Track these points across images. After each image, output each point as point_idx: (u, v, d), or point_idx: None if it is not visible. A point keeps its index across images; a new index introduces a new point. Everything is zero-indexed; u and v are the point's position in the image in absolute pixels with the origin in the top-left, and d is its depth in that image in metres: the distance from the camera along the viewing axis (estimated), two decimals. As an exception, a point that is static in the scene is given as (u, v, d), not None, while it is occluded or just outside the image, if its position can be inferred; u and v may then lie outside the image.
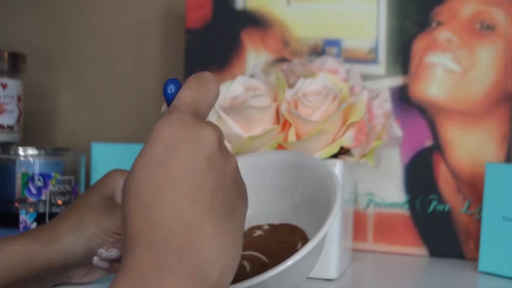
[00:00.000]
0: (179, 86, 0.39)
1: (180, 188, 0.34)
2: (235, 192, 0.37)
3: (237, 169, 0.37)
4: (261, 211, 0.53)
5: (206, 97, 0.38)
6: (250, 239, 0.52)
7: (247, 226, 0.54)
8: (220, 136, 0.37)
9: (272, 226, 0.53)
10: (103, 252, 0.51)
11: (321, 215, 0.46)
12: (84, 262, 0.53)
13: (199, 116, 0.38)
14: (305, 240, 0.50)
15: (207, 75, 0.39)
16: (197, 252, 0.33)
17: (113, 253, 0.51)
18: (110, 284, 0.32)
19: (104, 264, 0.52)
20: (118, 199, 0.55)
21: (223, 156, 0.36)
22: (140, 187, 0.35)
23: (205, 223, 0.34)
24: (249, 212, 0.53)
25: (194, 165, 0.35)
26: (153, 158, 0.35)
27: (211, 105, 0.39)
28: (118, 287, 0.31)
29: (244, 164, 0.54)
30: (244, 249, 0.51)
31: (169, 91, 0.39)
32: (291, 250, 0.48)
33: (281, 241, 0.51)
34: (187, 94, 0.38)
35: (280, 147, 0.63)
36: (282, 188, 0.53)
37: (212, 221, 0.34)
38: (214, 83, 0.39)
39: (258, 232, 0.53)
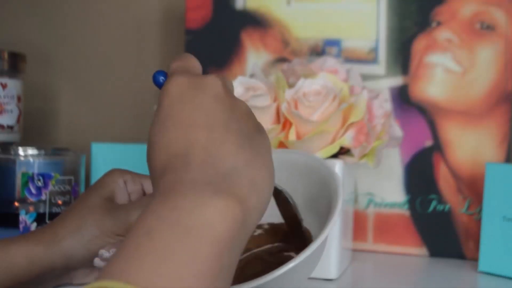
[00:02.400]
0: (165, 74, 0.41)
1: (193, 123, 0.36)
2: (250, 123, 0.38)
3: (249, 110, 0.39)
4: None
5: (193, 65, 0.40)
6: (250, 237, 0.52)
7: None
8: (224, 81, 0.38)
9: (272, 225, 0.53)
10: (104, 253, 0.51)
11: (322, 215, 0.46)
12: (86, 263, 0.53)
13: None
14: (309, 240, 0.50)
15: (185, 54, 0.42)
16: (220, 166, 0.34)
17: None
18: (142, 211, 0.32)
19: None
20: (118, 199, 0.55)
21: (231, 96, 0.38)
22: (157, 135, 0.36)
23: (224, 144, 0.35)
24: None
25: (201, 103, 0.36)
26: (164, 111, 0.37)
27: (200, 71, 0.41)
28: (149, 209, 0.32)
29: None
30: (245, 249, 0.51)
31: (161, 80, 0.41)
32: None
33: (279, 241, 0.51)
34: (177, 64, 0.40)
35: (281, 146, 0.63)
36: (283, 186, 0.53)
37: (230, 142, 0.35)
38: (193, 57, 0.41)
39: (258, 231, 0.53)
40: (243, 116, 0.38)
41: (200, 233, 0.30)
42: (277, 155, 0.54)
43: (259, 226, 0.53)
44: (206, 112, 0.36)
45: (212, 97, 0.37)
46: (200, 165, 0.34)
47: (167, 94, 0.37)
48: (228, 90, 0.38)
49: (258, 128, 0.39)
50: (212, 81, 0.38)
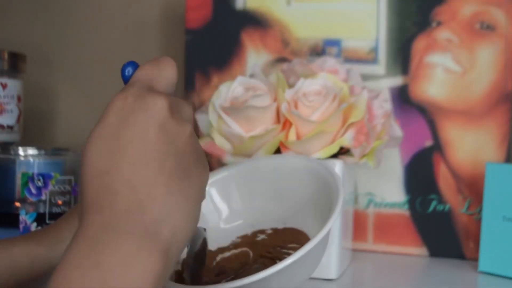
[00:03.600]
0: (136, 67, 0.40)
1: (131, 154, 0.35)
2: (191, 156, 0.37)
3: (192, 136, 0.38)
4: (264, 215, 0.53)
5: (161, 75, 0.39)
6: (253, 243, 0.52)
7: (250, 230, 0.54)
8: (171, 103, 0.37)
9: (275, 231, 0.53)
10: None
11: (323, 217, 0.46)
12: None
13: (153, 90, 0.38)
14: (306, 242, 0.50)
15: (163, 58, 0.40)
16: (147, 213, 0.34)
17: None
18: (64, 252, 0.32)
19: None
20: None
21: (176, 122, 0.37)
22: (94, 156, 0.36)
23: (156, 185, 0.35)
24: (253, 216, 0.53)
25: (144, 131, 0.36)
26: (106, 128, 0.36)
27: (168, 83, 0.39)
28: (71, 254, 0.32)
29: (245, 169, 0.54)
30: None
31: (126, 73, 0.40)
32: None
33: (284, 246, 0.51)
34: (142, 72, 0.39)
35: (281, 146, 0.63)
36: (285, 192, 0.53)
37: (163, 182, 0.35)
38: (170, 63, 0.40)
39: (261, 236, 0.53)
40: (184, 145, 0.37)
41: None
42: (277, 160, 0.54)
43: (262, 232, 0.53)
44: (145, 143, 0.35)
45: (155, 124, 0.36)
46: (127, 210, 0.34)
47: (111, 108, 0.36)
48: (176, 114, 0.37)
49: (198, 158, 0.38)
50: (158, 104, 0.36)
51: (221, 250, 0.53)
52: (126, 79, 0.39)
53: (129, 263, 0.32)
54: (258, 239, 0.53)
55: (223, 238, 0.53)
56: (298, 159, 0.54)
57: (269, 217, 0.53)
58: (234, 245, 0.53)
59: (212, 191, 0.54)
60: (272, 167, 0.54)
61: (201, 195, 0.37)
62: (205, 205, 0.40)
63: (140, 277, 0.31)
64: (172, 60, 0.40)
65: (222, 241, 0.53)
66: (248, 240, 0.53)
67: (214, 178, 0.55)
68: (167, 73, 0.40)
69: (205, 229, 0.47)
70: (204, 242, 0.46)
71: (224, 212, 0.55)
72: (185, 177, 0.36)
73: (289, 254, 0.44)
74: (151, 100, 0.37)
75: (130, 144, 0.35)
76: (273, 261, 0.49)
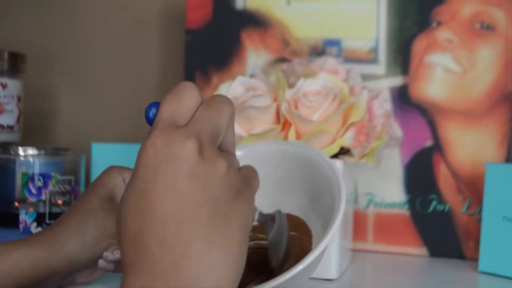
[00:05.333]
0: (158, 106, 0.38)
1: (162, 212, 0.34)
2: (229, 195, 0.36)
3: (229, 169, 0.37)
4: (264, 201, 0.53)
5: (184, 106, 0.38)
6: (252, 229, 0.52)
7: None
8: (200, 143, 0.36)
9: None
10: (109, 255, 0.51)
11: (325, 213, 0.46)
12: (89, 265, 0.52)
13: (179, 127, 0.37)
14: (308, 233, 0.50)
15: (182, 84, 0.39)
16: (184, 274, 0.33)
17: (119, 255, 0.51)
18: None
19: (111, 266, 0.52)
20: (119, 198, 0.55)
21: (208, 164, 0.36)
22: (127, 216, 0.35)
23: (192, 242, 0.34)
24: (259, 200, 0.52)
25: (173, 185, 0.35)
26: (136, 185, 0.35)
27: (191, 112, 0.38)
28: None
29: (248, 153, 0.53)
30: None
31: (151, 115, 0.38)
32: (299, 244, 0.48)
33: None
34: (164, 109, 0.37)
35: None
36: (286, 180, 0.52)
37: (200, 237, 0.34)
38: (191, 89, 0.38)
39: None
40: (220, 187, 0.36)
41: None
42: (276, 146, 0.53)
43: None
44: (178, 197, 0.34)
45: (185, 174, 0.35)
46: (163, 274, 0.33)
47: (141, 159, 0.36)
48: (206, 153, 0.36)
49: (237, 192, 0.37)
50: (186, 149, 0.35)
51: None
52: (150, 121, 0.38)
53: None
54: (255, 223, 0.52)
55: None
56: (285, 145, 0.53)
57: (263, 203, 0.53)
58: None
59: None
60: (261, 154, 0.53)
61: (246, 229, 0.36)
62: None
63: None
64: (191, 84, 0.39)
65: None
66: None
67: None
68: (190, 101, 0.38)
69: (279, 211, 0.45)
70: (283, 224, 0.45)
71: None
72: (224, 223, 0.35)
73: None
74: (178, 145, 0.35)
75: (161, 201, 0.34)
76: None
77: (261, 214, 0.42)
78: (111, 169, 0.55)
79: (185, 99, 0.38)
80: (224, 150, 0.39)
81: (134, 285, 0.33)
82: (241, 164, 0.40)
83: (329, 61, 0.69)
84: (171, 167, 0.35)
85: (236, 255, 0.35)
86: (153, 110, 0.38)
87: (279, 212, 0.45)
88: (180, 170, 0.35)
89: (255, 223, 0.43)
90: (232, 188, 0.36)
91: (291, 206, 0.52)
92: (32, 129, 0.99)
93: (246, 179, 0.38)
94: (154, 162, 0.35)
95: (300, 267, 0.40)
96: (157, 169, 0.35)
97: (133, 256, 0.34)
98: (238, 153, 0.53)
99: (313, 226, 0.50)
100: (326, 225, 0.44)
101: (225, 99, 0.39)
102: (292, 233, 0.50)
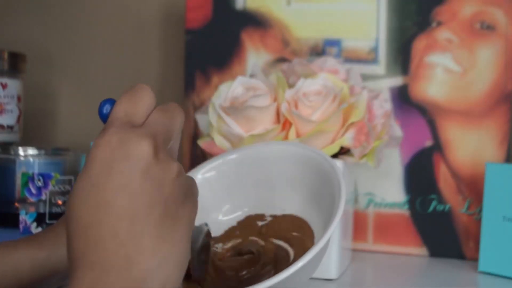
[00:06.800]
0: (113, 103, 0.39)
1: (116, 207, 0.35)
2: (179, 198, 0.37)
3: (179, 174, 0.37)
4: (259, 201, 0.53)
5: (140, 107, 0.38)
6: (254, 228, 0.52)
7: (244, 216, 0.53)
8: (156, 144, 0.37)
9: (275, 217, 0.53)
10: None
11: (325, 212, 0.46)
12: None
13: (135, 127, 0.37)
14: (310, 234, 0.50)
15: (138, 86, 0.39)
16: (136, 268, 0.34)
17: None
18: None
19: None
20: None
21: (161, 165, 0.36)
22: (79, 209, 0.35)
23: (144, 238, 0.35)
24: (248, 204, 0.53)
25: (128, 183, 0.35)
26: (90, 180, 0.36)
27: (146, 114, 0.39)
28: None
29: (249, 154, 0.53)
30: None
31: (104, 111, 0.38)
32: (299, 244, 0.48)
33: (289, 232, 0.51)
34: (120, 108, 0.38)
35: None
36: (287, 181, 0.52)
37: (151, 234, 0.35)
38: (147, 91, 0.39)
39: (260, 223, 0.53)
40: (172, 188, 0.36)
41: None
42: (273, 147, 0.53)
43: (261, 218, 0.53)
44: (131, 194, 0.35)
45: (139, 172, 0.35)
46: (115, 267, 0.34)
47: (95, 155, 0.36)
48: (161, 155, 0.37)
49: (186, 197, 0.38)
50: (143, 150, 0.36)
51: (217, 239, 0.53)
52: (104, 118, 0.38)
53: None
54: (260, 225, 0.52)
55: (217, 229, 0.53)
56: (286, 145, 0.53)
57: (264, 204, 0.53)
58: (231, 231, 0.53)
59: (211, 178, 0.54)
60: (262, 155, 0.53)
61: (191, 231, 0.37)
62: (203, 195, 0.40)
63: None
64: (147, 86, 0.40)
65: (216, 231, 0.53)
66: (246, 225, 0.53)
67: (210, 165, 0.54)
68: (143, 102, 0.39)
69: (206, 224, 0.47)
70: (208, 236, 0.46)
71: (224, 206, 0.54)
72: (173, 222, 0.36)
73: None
74: (134, 144, 0.36)
75: (115, 196, 0.35)
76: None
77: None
78: None
79: (141, 100, 0.39)
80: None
81: (85, 276, 0.34)
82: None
83: (329, 61, 0.69)
84: (126, 165, 0.35)
85: (183, 254, 0.36)
86: (107, 107, 0.38)
87: (205, 224, 0.46)
88: (135, 168, 0.35)
89: None
90: (181, 191, 0.37)
91: (292, 205, 0.52)
92: (32, 129, 0.99)
93: (191, 184, 0.39)
94: (109, 159, 0.36)
95: (300, 263, 0.40)
96: (112, 166, 0.35)
97: (83, 248, 0.34)
98: (237, 155, 0.53)
99: (314, 225, 0.50)
100: (326, 224, 0.44)
101: (178, 107, 0.40)
102: (294, 234, 0.51)
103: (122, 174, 0.35)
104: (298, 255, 0.47)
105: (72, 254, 0.35)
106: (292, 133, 0.63)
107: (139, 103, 0.38)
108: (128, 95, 0.39)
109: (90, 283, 0.33)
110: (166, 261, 0.35)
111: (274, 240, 0.51)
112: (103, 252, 0.34)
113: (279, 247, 0.50)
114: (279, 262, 0.49)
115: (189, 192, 0.38)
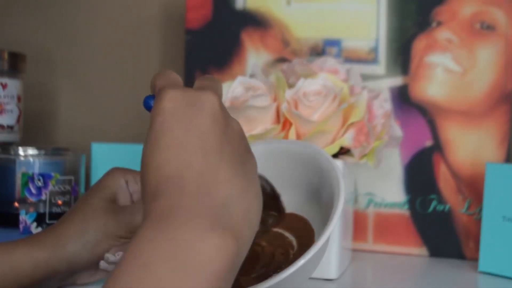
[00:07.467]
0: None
1: (188, 144, 0.35)
2: (242, 147, 0.38)
3: (241, 129, 0.39)
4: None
5: (178, 81, 0.40)
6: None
7: None
8: (220, 97, 0.38)
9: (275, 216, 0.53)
10: (110, 256, 0.51)
11: (325, 208, 0.46)
12: (90, 266, 0.52)
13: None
14: (311, 232, 0.50)
15: (167, 70, 0.41)
16: (216, 195, 0.34)
17: (120, 256, 0.51)
18: (137, 231, 0.32)
19: (112, 268, 0.52)
20: (121, 201, 0.54)
21: (226, 116, 0.38)
22: (151, 154, 0.36)
23: (219, 170, 0.35)
24: None
25: (198, 124, 0.36)
26: (156, 128, 0.36)
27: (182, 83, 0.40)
28: (145, 230, 0.32)
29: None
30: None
31: (151, 104, 0.40)
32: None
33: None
34: (163, 79, 0.39)
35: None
36: (287, 179, 0.52)
37: (225, 168, 0.35)
38: (176, 74, 0.41)
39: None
40: (236, 137, 0.38)
41: (198, 270, 0.31)
42: (272, 145, 0.53)
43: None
44: (201, 133, 0.36)
45: (209, 116, 0.37)
46: (195, 192, 0.34)
47: (160, 110, 0.37)
48: (224, 108, 0.38)
49: (248, 149, 0.39)
50: (209, 98, 0.37)
51: None
52: (150, 107, 0.40)
53: (204, 243, 0.32)
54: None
55: None
56: (285, 143, 0.53)
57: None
58: None
59: None
60: (261, 153, 0.53)
61: (257, 178, 0.38)
62: None
63: (214, 257, 0.31)
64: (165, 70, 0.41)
65: None
66: None
67: None
68: (179, 79, 0.40)
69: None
70: None
71: None
72: (243, 162, 0.37)
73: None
74: (201, 96, 0.37)
75: (186, 135, 0.36)
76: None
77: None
78: (113, 170, 0.55)
79: (175, 76, 0.40)
80: None
81: (165, 204, 0.33)
82: None
83: (329, 61, 0.69)
84: (194, 110, 0.37)
85: (259, 191, 0.37)
86: (152, 100, 0.40)
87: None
88: (204, 113, 0.37)
89: None
90: (244, 140, 0.39)
91: (292, 203, 0.52)
92: (32, 129, 0.99)
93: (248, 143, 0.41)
94: (174, 107, 0.37)
95: (301, 261, 0.40)
96: (177, 113, 0.36)
97: (161, 182, 0.34)
98: None
99: (314, 224, 0.50)
100: (326, 222, 0.44)
101: (214, 77, 0.42)
102: (295, 232, 0.51)
103: (191, 117, 0.36)
104: (299, 254, 0.47)
105: (148, 192, 0.35)
106: (292, 133, 0.63)
107: (177, 78, 0.40)
108: (163, 73, 0.40)
109: (170, 208, 0.33)
110: (245, 191, 0.35)
111: (280, 230, 0.51)
112: (182, 181, 0.34)
113: (279, 245, 0.50)
114: (279, 262, 0.49)
115: (249, 147, 0.39)
